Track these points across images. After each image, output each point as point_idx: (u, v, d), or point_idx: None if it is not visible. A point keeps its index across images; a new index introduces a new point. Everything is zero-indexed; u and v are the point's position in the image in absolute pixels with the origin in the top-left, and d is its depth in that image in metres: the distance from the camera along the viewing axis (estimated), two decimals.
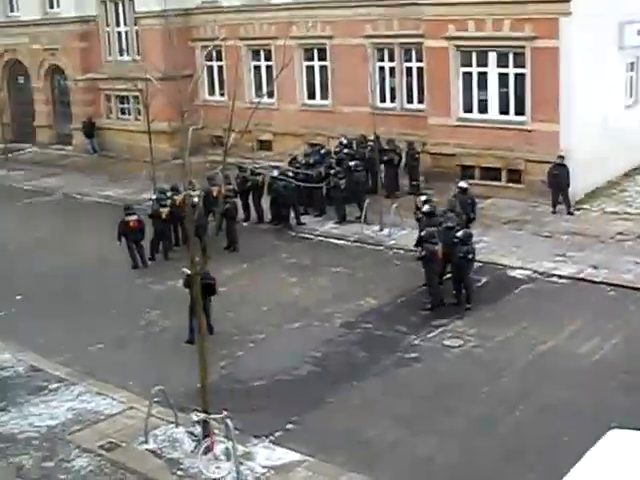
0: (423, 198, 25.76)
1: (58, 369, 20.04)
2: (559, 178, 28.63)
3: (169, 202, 27.45)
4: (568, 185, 28.78)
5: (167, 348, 20.96)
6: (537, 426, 16.68)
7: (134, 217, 26.80)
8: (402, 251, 26.81)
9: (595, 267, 24.48)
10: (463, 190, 26.57)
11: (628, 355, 19.54)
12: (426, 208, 24.31)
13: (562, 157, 28.49)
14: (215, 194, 27.00)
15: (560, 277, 24.11)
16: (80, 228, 31.09)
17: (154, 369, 19.50)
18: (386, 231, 28.17)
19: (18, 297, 24.81)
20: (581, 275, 24.09)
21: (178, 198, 27.11)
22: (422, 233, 23.15)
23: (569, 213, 28.86)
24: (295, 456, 16.08)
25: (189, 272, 17.48)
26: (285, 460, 15.97)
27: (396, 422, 17.27)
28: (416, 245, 23.56)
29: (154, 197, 28.48)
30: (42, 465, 16.04)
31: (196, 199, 25.13)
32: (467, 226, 24.34)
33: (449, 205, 24.75)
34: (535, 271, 24.51)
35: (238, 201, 29.27)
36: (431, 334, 21.14)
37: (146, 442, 16.56)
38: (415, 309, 22.55)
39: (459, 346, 20.51)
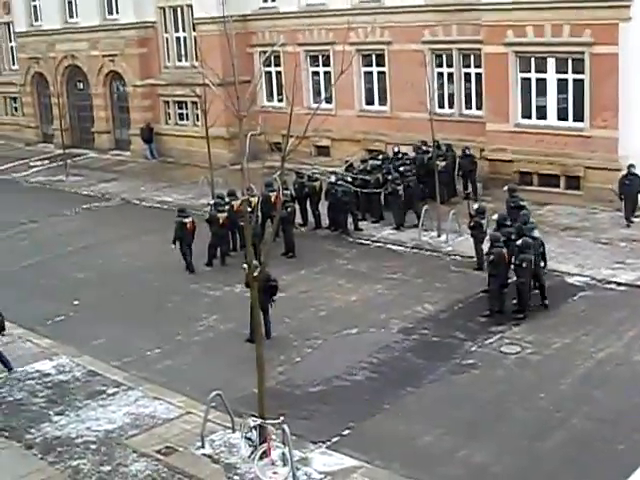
0: (476, 206, 25.69)
1: (116, 374, 20.25)
2: (631, 188, 28.23)
3: (227, 207, 27.57)
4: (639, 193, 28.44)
5: (224, 353, 21.08)
6: (594, 435, 16.52)
7: (190, 219, 26.99)
8: (459, 257, 26.71)
9: None
10: (511, 193, 26.52)
11: None
12: (497, 216, 24.16)
13: (633, 166, 28.01)
14: (273, 200, 27.12)
15: (618, 284, 23.85)
16: (138, 233, 31.36)
17: (211, 374, 19.62)
18: (443, 237, 28.07)
19: (76, 302, 25.12)
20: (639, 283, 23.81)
21: (236, 203, 27.24)
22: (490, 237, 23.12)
23: (630, 221, 28.43)
24: (351, 462, 16.10)
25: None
26: (342, 466, 15.99)
27: (452, 429, 17.20)
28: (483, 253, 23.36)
29: (212, 202, 28.63)
30: (99, 469, 16.20)
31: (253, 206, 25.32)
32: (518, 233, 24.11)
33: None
34: (593, 278, 24.27)
35: (296, 207, 29.36)
36: (488, 340, 21.03)
37: (203, 447, 16.66)
38: (472, 315, 22.43)
39: (516, 353, 20.38)
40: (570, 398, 18.11)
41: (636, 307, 22.37)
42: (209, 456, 16.45)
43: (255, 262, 17.03)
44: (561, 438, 16.63)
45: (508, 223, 23.68)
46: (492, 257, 22.30)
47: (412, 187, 29.62)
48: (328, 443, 16.85)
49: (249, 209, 20.81)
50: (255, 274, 16.43)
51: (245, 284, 20.49)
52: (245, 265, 19.11)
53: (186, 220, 26.89)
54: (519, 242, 22.21)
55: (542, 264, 22.92)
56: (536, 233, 23.18)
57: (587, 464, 15.56)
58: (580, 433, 16.76)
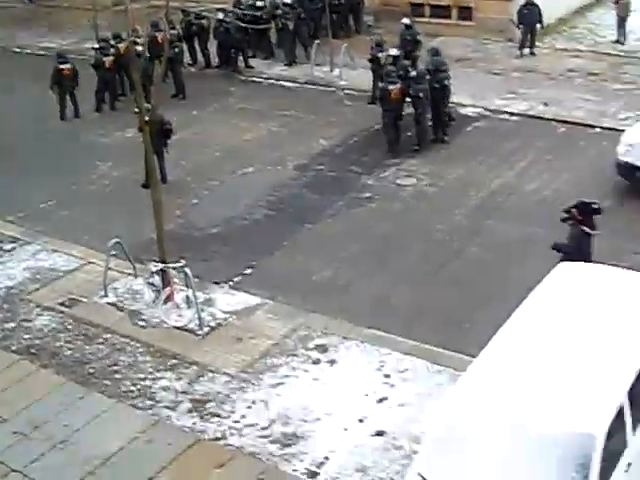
0: (377, 38, 25.52)
1: (11, 229, 19.88)
2: (530, 17, 28.20)
3: (113, 51, 26.86)
4: (539, 23, 28.43)
5: (121, 200, 20.83)
6: (489, 262, 17.00)
7: (68, 65, 26.26)
8: (353, 92, 26.64)
9: (545, 104, 24.54)
10: (407, 27, 26.32)
11: (578, 191, 19.73)
12: (394, 51, 23.81)
13: None
14: (160, 40, 26.49)
15: (511, 114, 24.20)
16: (22, 83, 30.29)
17: (109, 222, 19.40)
18: (336, 72, 27.89)
19: None
20: (532, 112, 24.18)
21: (122, 46, 26.53)
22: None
23: (532, 53, 28.59)
24: (254, 300, 16.32)
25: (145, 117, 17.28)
26: (245, 304, 16.20)
27: (351, 262, 17.52)
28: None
29: (96, 46, 27.79)
30: (3, 326, 16.06)
31: (140, 47, 24.71)
32: (414, 64, 24.10)
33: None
34: (487, 109, 24.54)
35: (184, 46, 28.75)
36: (384, 174, 21.26)
37: (106, 296, 16.65)
38: (368, 149, 22.59)
39: (412, 185, 20.68)
40: (465, 228, 18.54)
41: (528, 137, 22.76)
42: (113, 304, 16.47)
43: (146, 105, 16.71)
44: (457, 267, 17.08)
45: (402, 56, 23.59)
46: (380, 93, 22.32)
47: (302, 22, 29.20)
48: (230, 283, 17.04)
49: (136, 51, 20.30)
50: (147, 118, 16.16)
51: (138, 129, 20.18)
52: (137, 109, 18.81)
53: (62, 66, 26.15)
54: (413, 73, 22.20)
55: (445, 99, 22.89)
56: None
57: (483, 292, 16.02)
58: (475, 262, 17.22)
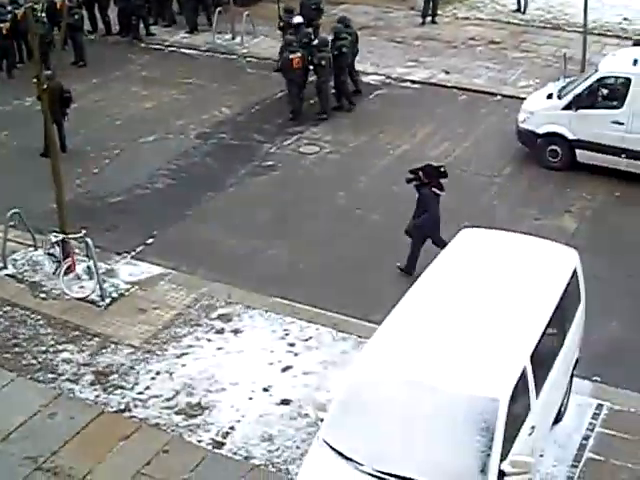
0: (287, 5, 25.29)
1: None
2: None
3: (10, 17, 26.22)
4: None
5: (19, 170, 20.35)
6: (392, 230, 17.06)
7: None
8: (255, 60, 26.52)
9: (447, 72, 24.77)
10: (299, 26, 25.57)
11: (479, 158, 20.08)
12: (297, 19, 23.66)
13: None
14: (59, 6, 25.98)
15: (413, 82, 24.37)
16: None
17: (7, 192, 18.93)
18: (238, 39, 27.69)
19: None
20: (433, 80, 24.38)
21: (19, 12, 25.91)
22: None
23: (433, 22, 28.71)
24: (158, 270, 16.23)
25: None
26: (148, 274, 16.10)
27: (256, 230, 17.51)
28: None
29: None
30: None
31: (38, 13, 24.21)
32: (315, 33, 24.08)
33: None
34: (388, 77, 24.67)
35: (84, 13, 28.22)
36: (287, 142, 21.25)
37: (5, 267, 16.33)
38: (270, 118, 22.51)
39: (315, 153, 20.72)
40: (369, 195, 18.65)
41: (430, 105, 22.97)
42: (13, 276, 16.18)
43: (45, 73, 16.37)
44: (361, 233, 17.18)
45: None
46: (282, 62, 22.25)
47: None
48: (133, 253, 16.89)
49: (34, 17, 19.85)
50: (45, 85, 15.84)
51: (37, 97, 19.79)
52: (35, 77, 18.45)
53: None
54: (315, 42, 22.17)
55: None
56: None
57: (387, 259, 16.13)
58: (379, 229, 17.35)
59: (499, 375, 9.99)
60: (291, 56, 21.99)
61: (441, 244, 14.58)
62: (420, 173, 15.70)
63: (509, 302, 11.04)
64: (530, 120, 19.55)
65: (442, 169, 15.82)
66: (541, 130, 19.32)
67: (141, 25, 28.90)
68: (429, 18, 28.69)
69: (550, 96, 19.67)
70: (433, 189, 15.67)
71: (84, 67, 26.60)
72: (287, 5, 25.65)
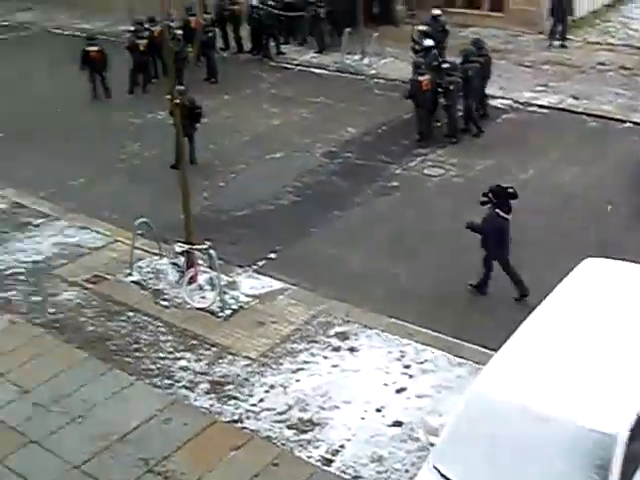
0: (421, 28, 25.21)
1: (41, 204, 20.06)
2: (562, 5, 28.03)
3: (147, 34, 26.97)
4: (570, 15, 28.23)
5: (150, 181, 20.95)
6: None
7: (95, 47, 26.46)
8: (383, 80, 26.61)
9: (576, 97, 24.40)
10: (435, 17, 25.92)
11: (606, 185, 19.70)
12: (427, 42, 23.69)
13: None
14: (193, 24, 26.60)
15: (541, 107, 24.08)
16: (59, 63, 30.35)
17: (137, 201, 19.54)
18: (367, 60, 27.85)
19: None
20: (562, 105, 24.05)
21: (156, 29, 26.65)
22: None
23: (562, 46, 28.44)
24: (278, 284, 16.36)
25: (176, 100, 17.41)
26: (268, 288, 16.25)
27: (377, 250, 17.52)
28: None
29: (132, 29, 27.93)
30: (30, 299, 16.21)
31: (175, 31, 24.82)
32: (441, 54, 23.98)
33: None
34: (516, 101, 24.43)
35: (216, 30, 28.81)
36: (412, 163, 21.23)
37: (131, 274, 16.77)
38: (396, 139, 22.55)
39: (440, 175, 20.65)
40: None
41: (557, 130, 22.66)
42: (137, 283, 16.58)
43: (178, 88, 16.77)
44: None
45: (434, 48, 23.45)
46: (411, 84, 22.25)
47: (336, 10, 29.17)
48: (255, 267, 17.08)
49: (169, 35, 20.39)
50: (177, 100, 16.23)
51: (169, 112, 20.30)
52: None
53: (89, 48, 26.39)
54: (445, 65, 22.12)
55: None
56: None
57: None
58: None
59: (618, 410, 9.66)
60: (420, 78, 21.98)
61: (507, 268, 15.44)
62: (490, 194, 15.56)
63: (631, 336, 10.75)
64: None
65: (511, 190, 15.59)
66: None
67: (272, 44, 29.34)
68: (558, 42, 28.35)
69: None
70: (497, 210, 15.49)
71: (215, 84, 27.16)
72: (426, 29, 25.57)
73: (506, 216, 15.54)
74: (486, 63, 23.03)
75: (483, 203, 15.72)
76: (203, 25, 26.96)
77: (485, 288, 15.84)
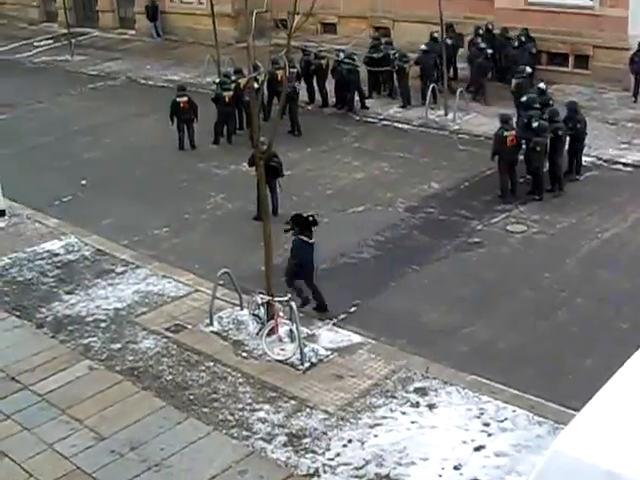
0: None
1: (124, 252, 20.38)
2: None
3: (233, 86, 27.36)
4: None
5: (232, 231, 21.17)
6: (597, 314, 16.74)
7: (185, 98, 26.90)
8: (466, 136, 26.61)
9: None
10: (541, 91, 24.70)
11: None
12: (524, 98, 23.63)
13: None
14: (279, 77, 26.91)
15: (625, 165, 23.84)
16: (145, 113, 31.14)
17: (219, 252, 19.76)
18: (451, 116, 27.89)
19: (83, 182, 25.03)
20: None
21: (242, 81, 27.01)
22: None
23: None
24: (358, 338, 16.32)
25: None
26: (348, 342, 16.21)
27: (457, 306, 17.42)
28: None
29: (218, 81, 28.41)
30: (110, 346, 16.42)
31: (256, 85, 25.09)
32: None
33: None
34: (600, 158, 24.23)
35: (302, 84, 29.15)
36: (494, 219, 21.12)
37: (211, 324, 16.88)
38: (479, 194, 22.48)
39: (522, 232, 20.50)
40: (574, 277, 18.27)
41: None
42: (217, 333, 16.68)
43: (262, 139, 16.98)
44: (565, 317, 16.83)
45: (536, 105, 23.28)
46: (495, 138, 22.17)
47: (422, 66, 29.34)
48: (335, 320, 17.08)
49: (255, 86, 20.61)
50: (263, 148, 16.44)
51: (249, 163, 20.59)
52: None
53: (179, 99, 26.82)
54: (535, 125, 21.97)
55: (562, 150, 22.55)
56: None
57: (590, 343, 15.76)
58: (584, 312, 16.94)
59: None
60: (505, 133, 21.92)
61: (312, 291, 17.09)
62: (291, 222, 17.00)
63: None
64: None
65: (311, 218, 16.98)
66: None
67: (356, 98, 29.56)
68: None
69: None
70: (301, 237, 16.81)
71: (299, 136, 27.39)
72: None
73: (310, 241, 16.89)
74: (581, 126, 22.92)
75: (286, 231, 17.10)
76: (288, 78, 27.24)
77: (323, 305, 17.33)
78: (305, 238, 16.89)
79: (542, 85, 25.23)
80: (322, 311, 17.31)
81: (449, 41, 30.01)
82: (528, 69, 27.44)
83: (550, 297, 17.59)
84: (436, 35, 29.68)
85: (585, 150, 23.67)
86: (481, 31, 30.91)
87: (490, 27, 31.07)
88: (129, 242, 20.92)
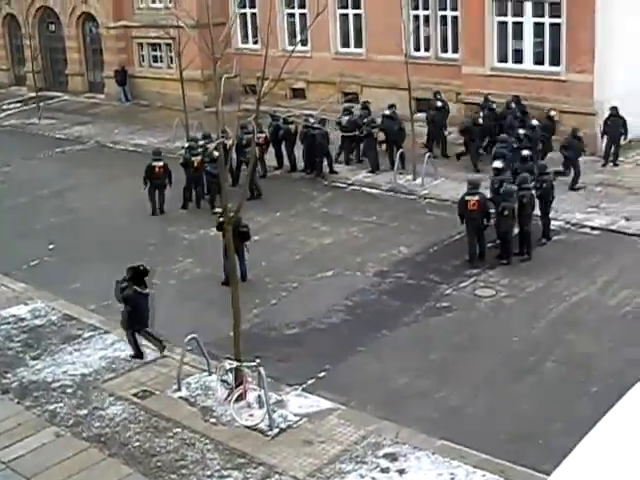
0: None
1: (92, 317, 20.24)
2: (614, 129, 28.27)
3: (201, 150, 27.45)
4: (624, 135, 28.44)
5: (200, 297, 21.10)
6: (567, 378, 16.75)
7: (160, 163, 26.96)
8: (435, 200, 26.78)
9: (628, 219, 24.34)
10: (497, 171, 23.74)
11: None
12: (496, 164, 23.65)
13: (615, 108, 28.05)
14: (245, 142, 27.05)
15: (592, 228, 24.03)
16: (113, 177, 31.16)
17: (187, 317, 19.67)
18: (419, 180, 28.07)
19: (50, 246, 24.96)
20: (613, 227, 23.97)
21: (209, 146, 27.09)
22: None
23: (615, 165, 28.59)
24: (327, 404, 16.22)
25: (219, 210, 18.72)
26: (317, 408, 16.11)
27: (426, 371, 17.37)
28: None
29: (186, 145, 28.51)
30: (76, 413, 16.23)
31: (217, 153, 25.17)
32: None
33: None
34: (568, 222, 24.42)
35: (270, 149, 29.35)
36: (463, 284, 21.17)
37: (179, 390, 16.75)
38: (448, 259, 22.56)
39: (491, 296, 20.54)
40: (543, 341, 18.29)
41: (609, 251, 22.56)
42: (185, 399, 16.54)
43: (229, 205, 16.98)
44: (534, 381, 16.83)
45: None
46: (459, 201, 22.32)
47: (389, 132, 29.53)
48: (304, 385, 16.97)
49: (216, 154, 20.72)
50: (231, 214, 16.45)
51: (217, 228, 20.60)
52: (217, 210, 19.29)
53: (155, 164, 26.88)
54: (502, 190, 22.14)
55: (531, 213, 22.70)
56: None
57: (560, 406, 15.75)
58: (553, 376, 16.95)
59: None
60: (467, 197, 22.06)
61: (143, 337, 18.03)
62: (126, 276, 17.72)
63: None
64: None
65: (141, 267, 17.81)
66: None
67: (324, 163, 29.71)
68: (610, 164, 28.46)
69: None
70: (135, 287, 17.53)
71: (259, 198, 27.27)
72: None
73: (143, 291, 17.68)
74: (547, 187, 23.14)
75: (119, 282, 17.82)
76: (246, 144, 27.27)
77: (140, 355, 18.13)
78: (139, 289, 17.62)
79: (498, 164, 24.47)
80: (138, 358, 18.10)
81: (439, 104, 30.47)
82: (525, 152, 26.99)
83: (519, 361, 17.59)
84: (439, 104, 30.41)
85: (553, 214, 23.83)
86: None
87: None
88: (97, 307, 20.77)
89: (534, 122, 27.98)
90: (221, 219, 20.42)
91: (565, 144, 27.15)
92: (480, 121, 29.15)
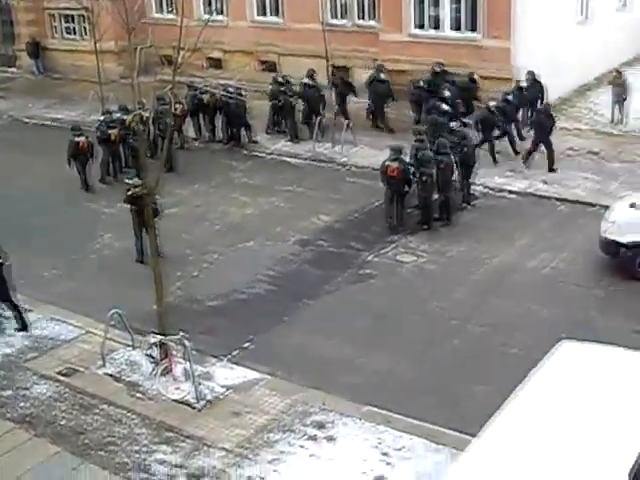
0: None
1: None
2: (532, 95, 28.47)
3: (118, 123, 27.09)
4: (541, 100, 28.70)
5: (122, 271, 20.91)
6: (488, 339, 17.02)
7: (82, 138, 26.51)
8: (354, 168, 26.85)
9: (545, 182, 24.70)
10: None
11: (577, 268, 19.87)
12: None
13: (532, 72, 28.29)
14: (162, 113, 26.74)
15: (511, 192, 24.34)
16: (29, 152, 30.56)
17: (109, 292, 19.44)
18: (338, 148, 28.11)
19: None
20: (531, 190, 24.32)
21: (128, 118, 26.72)
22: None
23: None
24: (253, 374, 16.27)
25: (130, 182, 19.34)
26: (244, 379, 16.16)
27: (351, 338, 17.49)
28: None
29: (102, 119, 28.08)
30: (1, 394, 16.00)
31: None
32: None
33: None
34: (486, 187, 24.67)
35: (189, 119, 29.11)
36: (384, 250, 21.32)
37: (104, 366, 16.62)
38: (368, 226, 22.68)
39: (412, 262, 20.74)
40: (465, 305, 18.54)
41: (528, 215, 22.90)
42: (111, 375, 16.43)
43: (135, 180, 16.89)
44: (457, 344, 17.06)
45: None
46: (380, 167, 22.46)
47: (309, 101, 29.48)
48: (229, 357, 16.99)
49: (142, 125, 20.46)
50: (130, 192, 16.37)
51: (124, 201, 20.47)
52: (127, 180, 19.40)
53: (78, 139, 26.42)
54: (419, 156, 22.29)
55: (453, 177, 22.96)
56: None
57: (482, 369, 16.00)
58: (475, 339, 17.20)
59: None
60: (387, 163, 22.19)
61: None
62: None
63: (608, 419, 10.80)
64: (613, 230, 19.21)
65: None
66: (625, 240, 18.96)
67: (243, 133, 29.57)
68: (529, 128, 28.78)
69: (633, 205, 19.43)
70: None
71: (172, 172, 26.98)
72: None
73: None
74: (468, 152, 23.42)
75: None
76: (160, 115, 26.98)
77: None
78: None
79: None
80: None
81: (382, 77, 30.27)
82: (444, 106, 27.54)
83: (441, 325, 17.81)
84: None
85: (471, 179, 24.05)
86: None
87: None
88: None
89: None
90: (129, 192, 20.45)
91: (533, 120, 27.20)
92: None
